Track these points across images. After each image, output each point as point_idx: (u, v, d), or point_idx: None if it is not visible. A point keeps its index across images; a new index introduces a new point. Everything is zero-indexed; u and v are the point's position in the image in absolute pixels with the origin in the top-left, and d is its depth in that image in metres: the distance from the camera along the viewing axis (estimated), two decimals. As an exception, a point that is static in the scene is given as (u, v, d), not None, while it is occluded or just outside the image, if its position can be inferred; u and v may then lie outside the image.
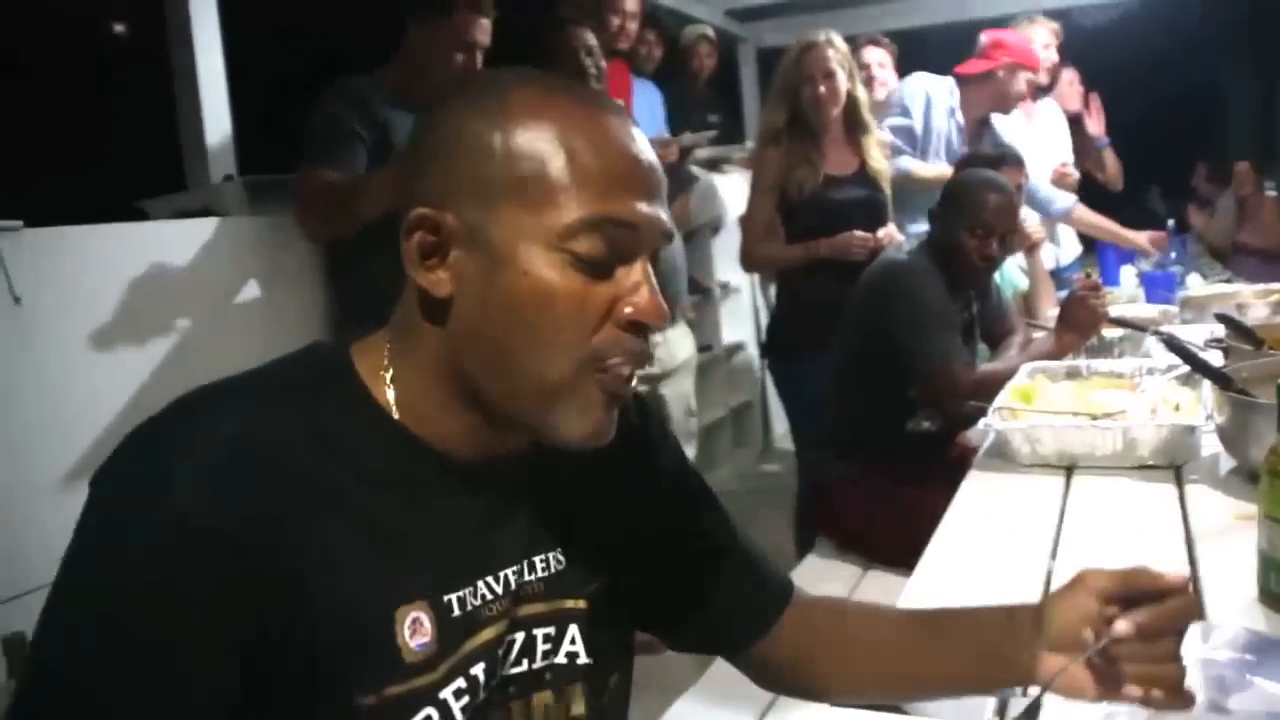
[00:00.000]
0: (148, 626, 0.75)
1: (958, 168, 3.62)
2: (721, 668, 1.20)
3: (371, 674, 0.82)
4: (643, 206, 0.84)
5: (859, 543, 2.76)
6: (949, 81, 3.85)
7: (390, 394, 0.87)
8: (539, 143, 0.82)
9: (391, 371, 0.88)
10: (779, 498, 4.29)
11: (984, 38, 3.89)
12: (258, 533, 0.77)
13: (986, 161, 3.45)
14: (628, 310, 0.84)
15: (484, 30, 2.65)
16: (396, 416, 0.87)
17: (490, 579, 0.90)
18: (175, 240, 2.51)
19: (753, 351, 5.65)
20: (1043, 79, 4.45)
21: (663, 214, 0.86)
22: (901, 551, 2.40)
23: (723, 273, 5.33)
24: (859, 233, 3.19)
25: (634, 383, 0.88)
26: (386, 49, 2.72)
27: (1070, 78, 4.91)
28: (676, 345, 3.90)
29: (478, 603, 0.88)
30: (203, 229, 2.59)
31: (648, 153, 0.86)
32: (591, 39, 3.08)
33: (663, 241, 0.87)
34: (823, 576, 2.68)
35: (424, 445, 0.87)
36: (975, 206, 2.67)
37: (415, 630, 0.84)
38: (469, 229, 0.83)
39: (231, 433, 0.79)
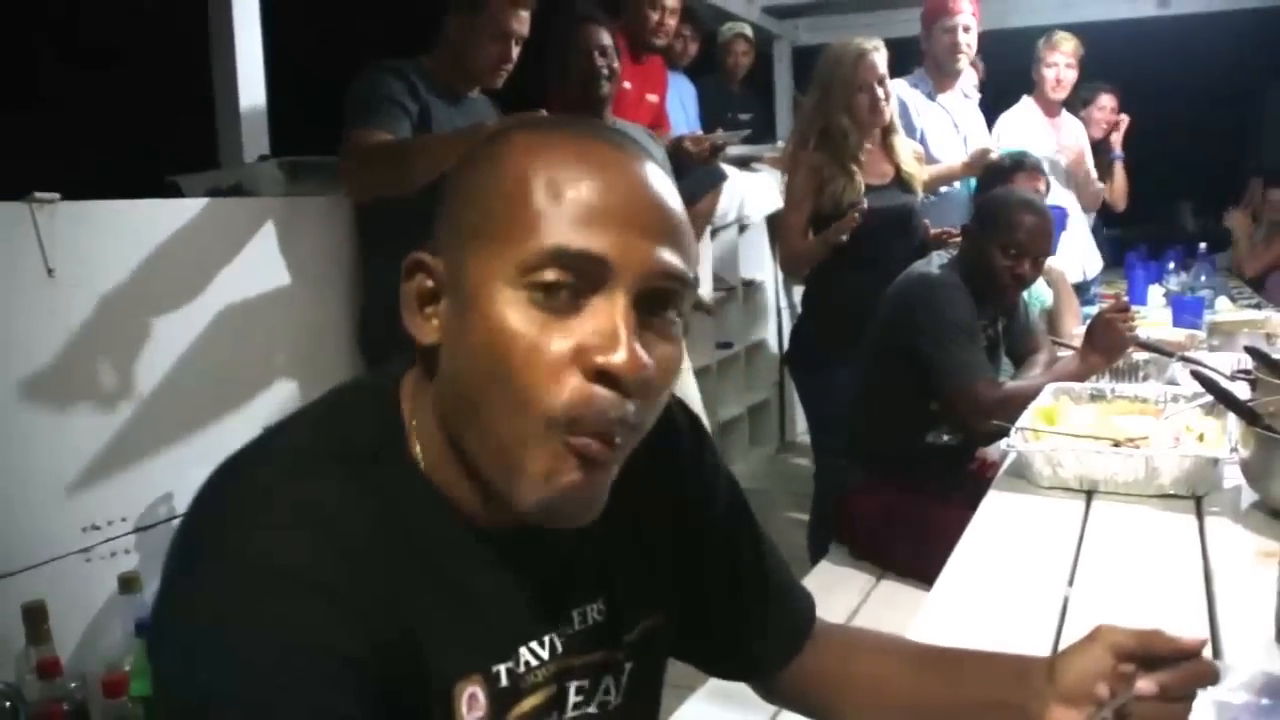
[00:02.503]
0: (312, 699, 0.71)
1: (980, 177, 3.63)
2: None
3: None
4: (624, 240, 0.75)
5: (873, 552, 2.76)
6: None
7: (418, 452, 0.83)
8: (516, 179, 0.77)
9: (416, 430, 0.84)
10: (793, 497, 4.31)
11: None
12: (368, 601, 0.75)
13: (1004, 169, 3.46)
14: (596, 359, 0.74)
15: (522, 21, 2.65)
16: (433, 481, 0.83)
17: (535, 644, 0.87)
18: (208, 218, 2.52)
19: (773, 351, 5.65)
20: (1059, 94, 4.45)
21: (663, 254, 0.77)
22: (916, 563, 2.42)
23: (748, 270, 5.33)
24: (851, 214, 3.16)
25: (617, 450, 0.78)
26: (427, 38, 2.73)
27: (1108, 103, 4.89)
28: None
29: (521, 670, 0.86)
30: (235, 208, 2.61)
31: (650, 190, 0.79)
32: (606, 38, 3.07)
33: (664, 283, 0.78)
34: (836, 583, 2.69)
35: (461, 513, 0.83)
36: (1009, 226, 2.66)
37: (472, 705, 0.82)
38: (451, 273, 0.79)
39: (310, 516, 0.75)
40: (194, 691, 0.71)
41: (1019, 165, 3.47)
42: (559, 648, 0.89)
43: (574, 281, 0.75)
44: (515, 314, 0.75)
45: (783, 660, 1.10)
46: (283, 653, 0.71)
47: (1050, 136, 4.44)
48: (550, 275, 0.74)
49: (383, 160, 2.49)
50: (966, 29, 3.87)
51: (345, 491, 0.78)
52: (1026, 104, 4.51)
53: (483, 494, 0.82)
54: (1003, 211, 2.70)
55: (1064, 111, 4.58)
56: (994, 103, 4.42)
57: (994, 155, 3.72)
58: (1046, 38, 4.44)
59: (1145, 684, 0.88)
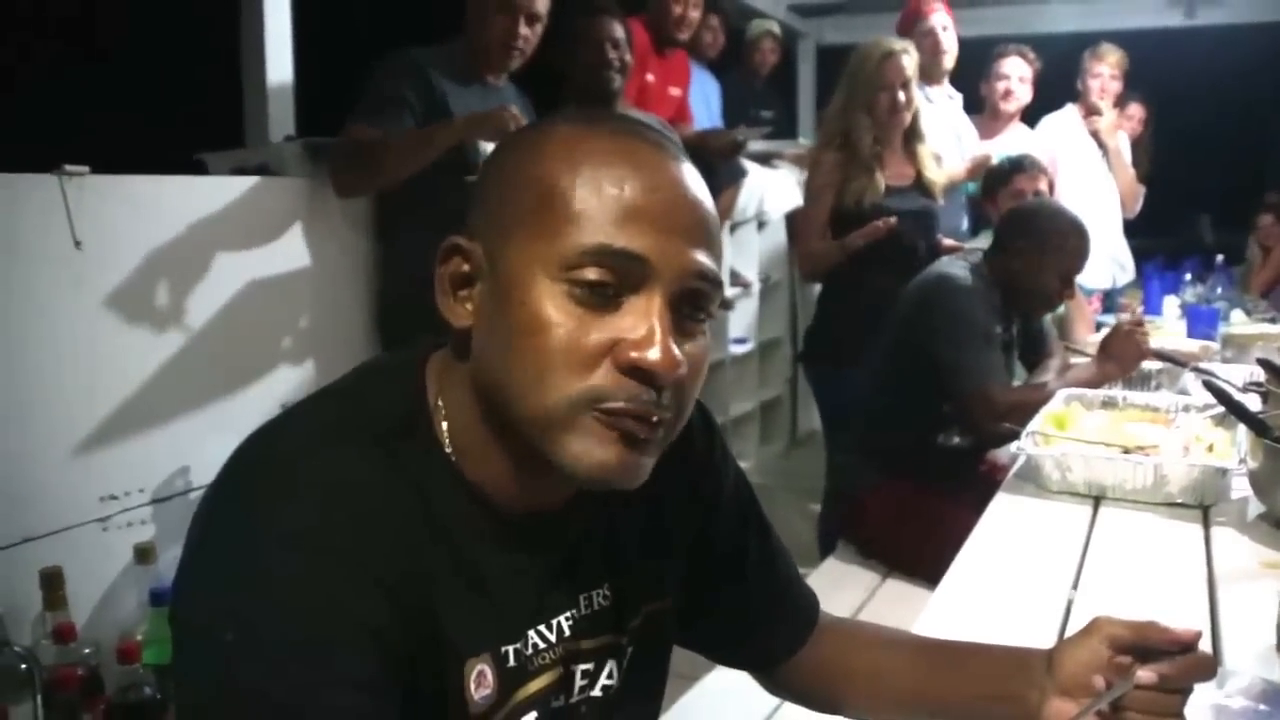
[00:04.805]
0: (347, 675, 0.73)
1: (985, 177, 3.65)
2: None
3: None
4: (664, 240, 0.77)
5: (881, 550, 2.78)
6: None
7: (443, 431, 0.85)
8: (560, 173, 0.78)
9: (444, 410, 0.85)
10: (803, 494, 4.32)
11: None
12: (395, 579, 0.77)
13: (1005, 171, 3.49)
14: (631, 354, 0.77)
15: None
16: (456, 463, 0.84)
17: (543, 627, 0.89)
18: (234, 196, 2.54)
19: (787, 348, 5.66)
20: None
21: (699, 256, 0.79)
22: (922, 562, 2.43)
23: (765, 267, 5.34)
24: (878, 221, 3.16)
25: (657, 430, 0.80)
26: (457, 18, 2.74)
27: (1136, 112, 4.89)
28: None
29: (530, 652, 0.87)
30: (260, 187, 2.63)
31: (690, 192, 0.81)
32: (619, 30, 3.07)
33: (699, 284, 0.80)
34: (842, 580, 2.71)
35: (480, 495, 0.85)
36: (1071, 254, 2.72)
37: (480, 683, 0.84)
38: (490, 259, 0.81)
39: (340, 486, 0.77)
40: (216, 654, 0.73)
41: (1018, 167, 3.49)
42: (566, 631, 0.90)
43: (614, 280, 0.77)
44: (554, 307, 0.77)
45: (787, 652, 1.12)
46: (306, 619, 0.73)
47: (1092, 144, 4.47)
48: (592, 274, 0.77)
49: (354, 162, 2.55)
50: (945, 28, 3.91)
51: (371, 466, 0.79)
52: (1069, 111, 4.54)
53: (504, 476, 0.84)
54: (1062, 238, 2.72)
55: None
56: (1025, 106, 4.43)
57: (994, 160, 3.75)
58: (1092, 49, 4.47)
59: (1145, 674, 0.89)
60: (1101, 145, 4.48)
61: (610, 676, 0.95)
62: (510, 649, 0.86)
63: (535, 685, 0.88)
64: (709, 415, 1.07)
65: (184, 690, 0.77)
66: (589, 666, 0.93)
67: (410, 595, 0.78)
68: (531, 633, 0.88)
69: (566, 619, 0.91)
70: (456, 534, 0.83)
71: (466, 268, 0.83)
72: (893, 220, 3.13)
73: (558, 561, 0.90)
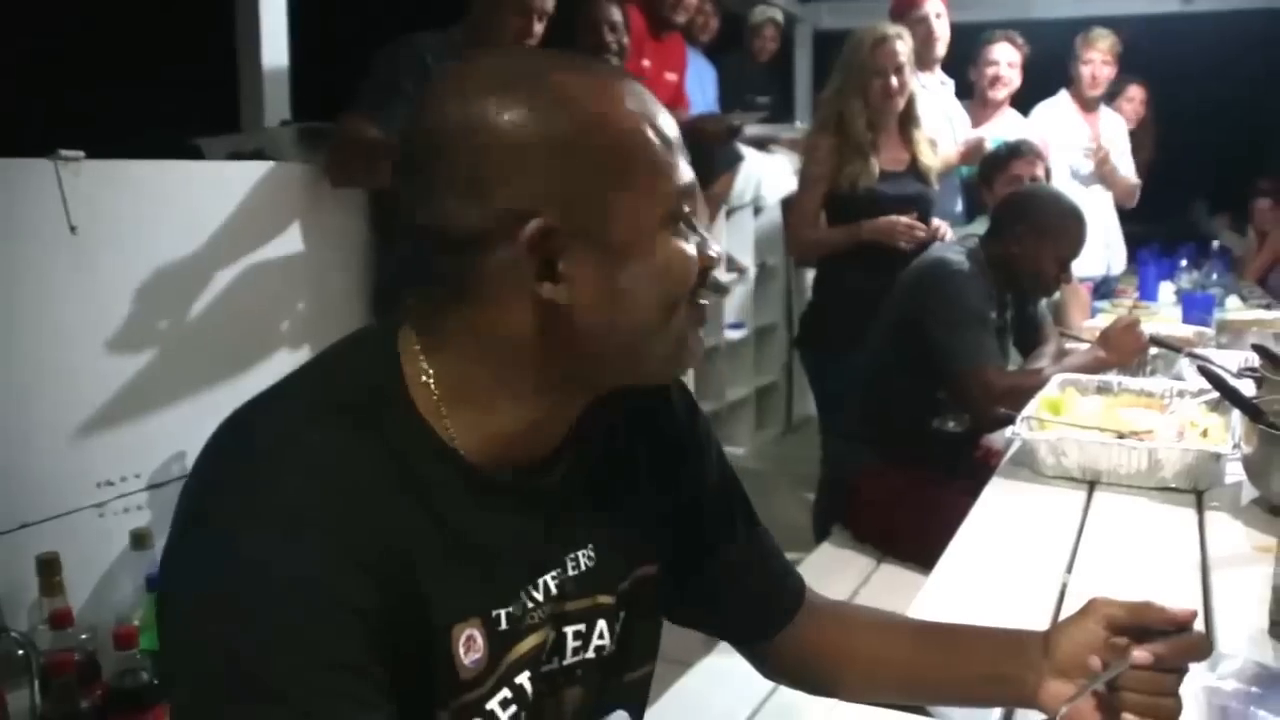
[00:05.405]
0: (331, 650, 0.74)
1: (982, 163, 3.65)
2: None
3: (439, 690, 0.83)
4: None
5: (876, 535, 2.78)
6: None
7: (438, 410, 0.85)
8: (622, 128, 0.82)
9: (435, 382, 0.85)
10: (799, 479, 4.33)
11: None
12: (374, 552, 0.78)
13: (1002, 157, 3.49)
14: (713, 257, 0.88)
15: None
16: (444, 435, 0.85)
17: (531, 588, 0.90)
18: (229, 181, 2.54)
19: (783, 333, 5.67)
20: (1095, 90, 4.45)
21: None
22: (917, 547, 2.44)
23: (761, 253, 5.33)
24: (904, 219, 3.19)
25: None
26: (456, 6, 2.73)
27: (1137, 95, 4.87)
28: None
29: (519, 613, 0.89)
30: (256, 172, 2.62)
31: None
32: (616, 14, 3.07)
33: None
34: (837, 565, 2.71)
35: (465, 462, 0.86)
36: (1069, 239, 2.73)
37: (470, 647, 0.85)
38: (581, 231, 0.81)
39: (319, 465, 0.78)
40: (201, 642, 0.74)
41: (1015, 152, 3.50)
42: (553, 590, 0.92)
43: (692, 208, 0.87)
44: (673, 249, 0.84)
45: (775, 628, 1.13)
46: (288, 602, 0.73)
47: (1084, 131, 4.47)
48: (688, 207, 0.86)
49: (353, 157, 2.55)
50: (939, 15, 3.91)
51: (347, 439, 0.80)
52: (1062, 97, 4.54)
53: (498, 436, 0.86)
54: (1060, 223, 2.74)
55: (1103, 106, 4.59)
56: (1018, 92, 4.42)
57: (988, 144, 3.75)
58: (1084, 34, 4.44)
59: (1141, 653, 0.90)
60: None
61: (602, 637, 0.96)
62: (502, 612, 0.87)
63: (525, 645, 0.89)
64: (690, 395, 1.10)
65: (171, 674, 0.78)
66: (580, 627, 0.95)
67: (391, 567, 0.79)
68: (522, 593, 0.89)
69: (553, 578, 0.92)
70: (437, 499, 0.83)
71: (547, 248, 0.81)
72: (919, 233, 3.17)
73: (540, 521, 0.91)
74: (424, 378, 0.85)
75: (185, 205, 2.42)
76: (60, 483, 2.14)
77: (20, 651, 1.82)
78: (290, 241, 2.69)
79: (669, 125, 0.85)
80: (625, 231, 0.82)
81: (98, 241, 2.21)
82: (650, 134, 0.83)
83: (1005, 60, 4.25)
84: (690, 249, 0.85)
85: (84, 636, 1.96)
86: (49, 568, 1.95)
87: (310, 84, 3.10)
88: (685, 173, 0.86)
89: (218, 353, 2.48)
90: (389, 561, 0.78)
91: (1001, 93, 4.28)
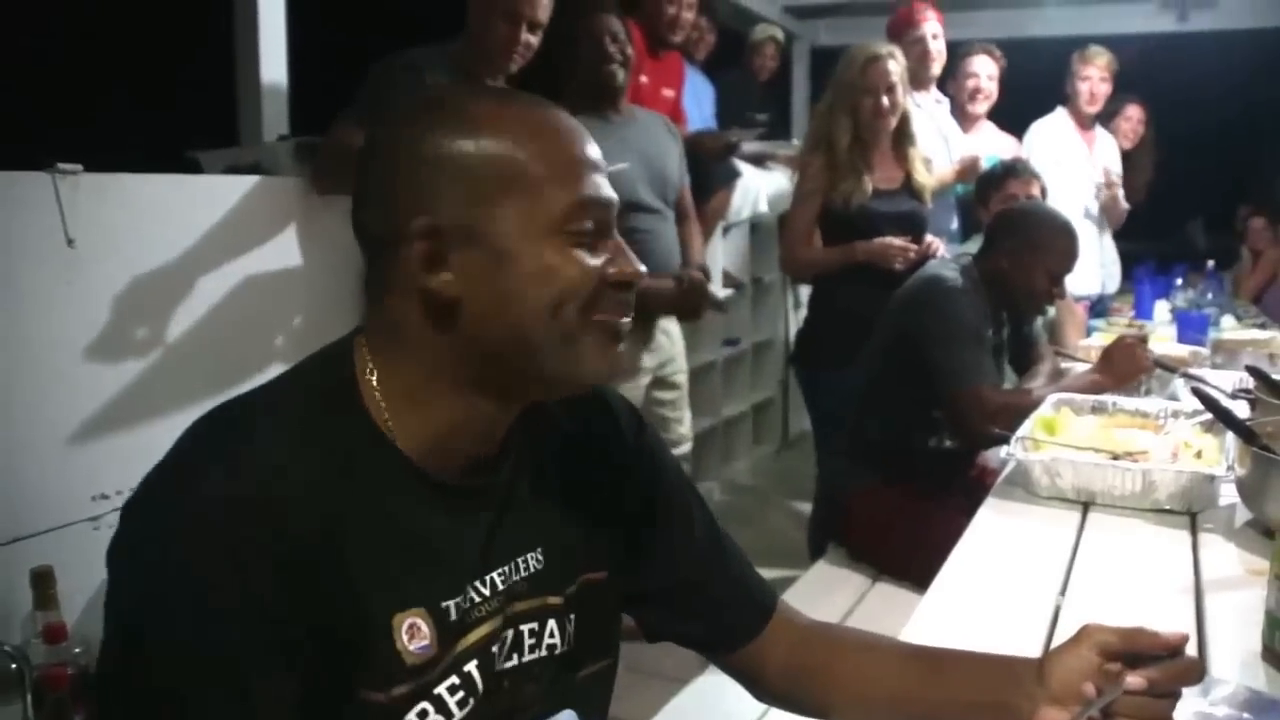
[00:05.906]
0: (222, 645, 0.80)
1: (978, 182, 3.66)
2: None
3: (380, 675, 0.88)
4: (606, 186, 0.93)
5: (871, 553, 2.78)
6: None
7: (380, 407, 0.92)
8: (512, 146, 0.89)
9: (377, 380, 0.92)
10: (794, 495, 4.34)
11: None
12: (298, 548, 0.83)
13: (998, 176, 3.50)
14: (625, 270, 0.93)
15: (534, 5, 2.61)
16: (386, 433, 0.91)
17: (478, 583, 0.95)
18: (227, 195, 2.54)
19: (779, 350, 5.67)
20: (1092, 108, 4.47)
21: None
22: (912, 566, 2.44)
23: (758, 269, 5.34)
24: (898, 241, 3.20)
25: (629, 325, 0.96)
26: (454, 19, 2.73)
27: (1135, 114, 4.89)
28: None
29: (467, 605, 0.94)
30: (253, 186, 2.62)
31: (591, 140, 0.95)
32: (618, 26, 3.07)
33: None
34: (832, 583, 2.71)
35: (414, 465, 0.92)
36: (1060, 255, 2.73)
37: (413, 635, 0.90)
38: (465, 231, 0.88)
39: (263, 462, 0.84)
40: (132, 637, 0.83)
41: (1011, 171, 3.51)
42: (499, 586, 0.97)
43: (595, 224, 0.91)
44: (561, 256, 0.90)
45: (733, 639, 1.15)
46: (210, 606, 0.80)
47: (1082, 148, 4.49)
48: (582, 222, 0.90)
49: (339, 165, 2.54)
50: (935, 36, 3.93)
51: (289, 438, 0.87)
52: (1060, 115, 4.54)
53: (441, 436, 0.93)
54: (1051, 238, 2.74)
55: (1097, 126, 4.61)
56: (1014, 109, 4.44)
57: (984, 163, 3.77)
58: (1081, 52, 4.45)
59: (1134, 679, 0.91)
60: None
61: (553, 636, 1.01)
62: (451, 604, 0.92)
63: (474, 636, 0.94)
64: (638, 414, 1.16)
65: (103, 660, 0.86)
66: (534, 625, 1.00)
67: (319, 557, 0.84)
68: (469, 588, 0.94)
69: (500, 575, 0.97)
70: (379, 494, 0.89)
71: (435, 246, 0.89)
72: (910, 255, 3.18)
73: (486, 522, 0.97)
74: (369, 376, 0.92)
75: (182, 219, 2.42)
76: (55, 496, 2.13)
77: (13, 666, 1.82)
78: (286, 255, 2.69)
79: (580, 148, 0.92)
80: (506, 237, 0.89)
81: (95, 255, 2.21)
82: (544, 153, 0.90)
83: (984, 73, 4.26)
84: (586, 261, 0.90)
85: (78, 651, 1.96)
86: (43, 581, 1.95)
87: (308, 99, 3.10)
88: (590, 190, 0.91)
89: (214, 366, 2.48)
90: (313, 553, 0.83)
91: (981, 105, 4.29)
